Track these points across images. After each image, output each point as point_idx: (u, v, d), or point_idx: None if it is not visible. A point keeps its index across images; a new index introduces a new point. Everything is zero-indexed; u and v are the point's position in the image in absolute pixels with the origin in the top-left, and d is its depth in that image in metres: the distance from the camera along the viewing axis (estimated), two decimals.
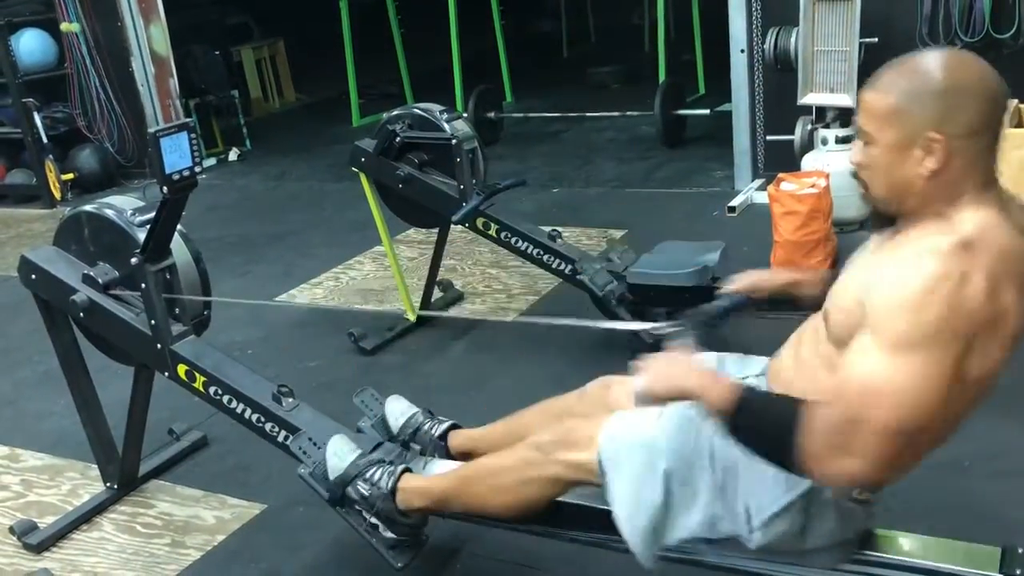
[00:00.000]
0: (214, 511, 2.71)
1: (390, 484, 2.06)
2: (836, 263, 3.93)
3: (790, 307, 3.01)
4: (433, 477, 2.11)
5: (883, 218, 1.52)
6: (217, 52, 7.84)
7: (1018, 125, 3.59)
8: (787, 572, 1.68)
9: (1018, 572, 1.58)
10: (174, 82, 6.95)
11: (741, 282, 1.97)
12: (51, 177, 6.67)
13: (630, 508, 1.69)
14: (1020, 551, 1.62)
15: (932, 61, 1.44)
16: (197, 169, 2.26)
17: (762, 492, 1.57)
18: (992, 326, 1.37)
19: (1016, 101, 3.66)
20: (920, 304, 1.33)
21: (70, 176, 6.78)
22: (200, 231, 2.46)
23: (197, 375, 2.39)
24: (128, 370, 2.71)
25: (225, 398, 2.36)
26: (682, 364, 1.58)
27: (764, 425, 1.46)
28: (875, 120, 1.45)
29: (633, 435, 1.73)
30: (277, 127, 8.63)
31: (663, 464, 1.66)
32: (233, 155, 7.61)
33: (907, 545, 1.71)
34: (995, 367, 1.42)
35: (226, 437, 3.02)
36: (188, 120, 2.30)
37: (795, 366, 1.66)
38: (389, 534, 2.09)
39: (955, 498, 2.36)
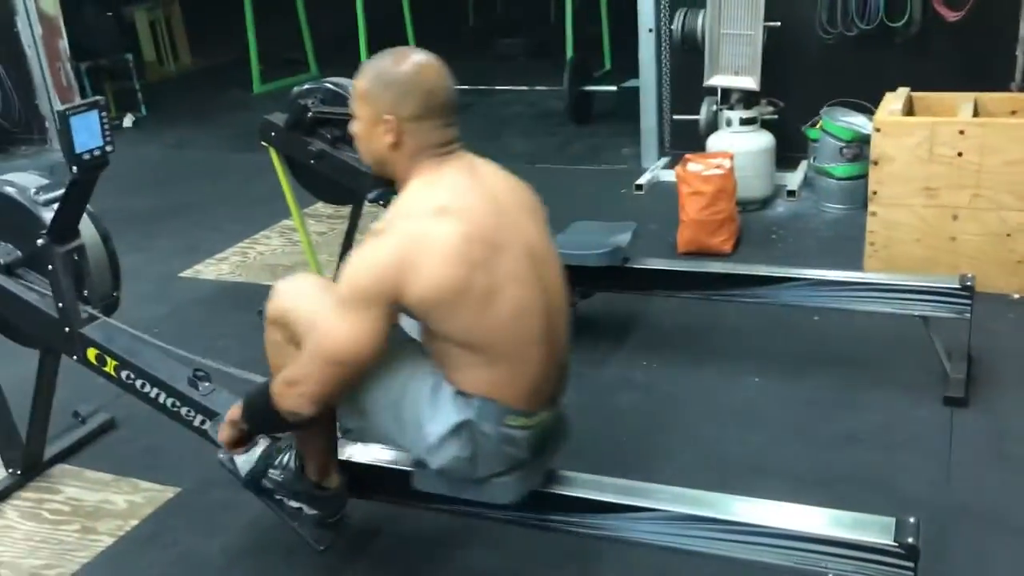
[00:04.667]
0: (125, 495, 2.65)
1: (296, 461, 2.09)
2: (740, 242, 4.08)
3: None
4: None
5: (379, 179, 1.90)
6: (109, 12, 7.51)
7: (909, 113, 3.75)
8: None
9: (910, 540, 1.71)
10: (64, 43, 6.62)
11: None
12: None
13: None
14: (912, 520, 1.75)
15: (396, 58, 1.79)
16: (108, 148, 2.19)
17: (434, 420, 1.81)
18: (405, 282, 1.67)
19: (908, 89, 3.84)
20: (351, 271, 1.73)
21: None
22: (94, 202, 2.37)
23: (108, 359, 2.33)
24: (28, 351, 2.62)
25: (138, 382, 2.32)
26: (224, 422, 2.03)
27: (256, 403, 1.90)
28: (356, 100, 1.81)
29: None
30: (174, 92, 8.30)
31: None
32: (128, 121, 7.31)
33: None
34: (476, 323, 1.73)
35: (135, 419, 2.94)
36: (99, 98, 2.22)
37: None
38: (313, 511, 2.10)
39: (848, 469, 2.52)
